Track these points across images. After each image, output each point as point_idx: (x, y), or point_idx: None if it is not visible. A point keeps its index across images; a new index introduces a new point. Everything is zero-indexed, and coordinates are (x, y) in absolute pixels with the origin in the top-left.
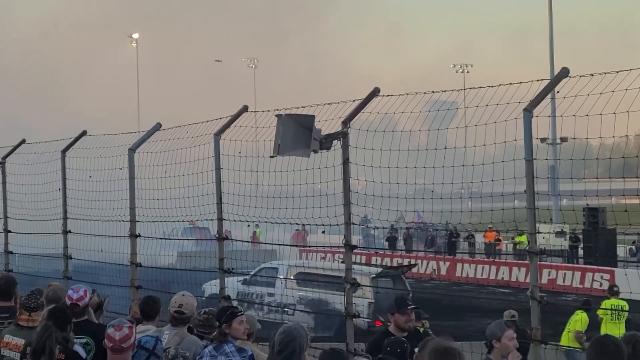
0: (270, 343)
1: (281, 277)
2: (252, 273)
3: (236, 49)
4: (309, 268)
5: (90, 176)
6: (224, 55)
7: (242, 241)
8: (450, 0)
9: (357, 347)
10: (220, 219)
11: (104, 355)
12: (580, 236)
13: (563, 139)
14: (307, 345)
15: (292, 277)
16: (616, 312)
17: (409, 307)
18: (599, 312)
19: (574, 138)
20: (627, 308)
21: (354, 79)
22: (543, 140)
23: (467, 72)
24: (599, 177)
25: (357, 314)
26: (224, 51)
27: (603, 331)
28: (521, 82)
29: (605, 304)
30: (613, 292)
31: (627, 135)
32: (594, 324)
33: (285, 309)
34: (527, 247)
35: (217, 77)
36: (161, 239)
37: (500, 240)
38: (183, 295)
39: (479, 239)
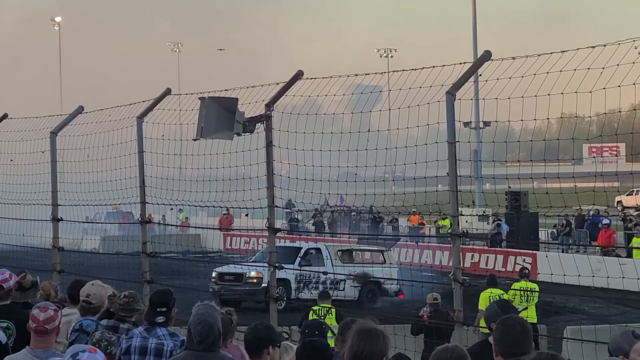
0: (187, 329)
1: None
2: (300, 255)
3: (160, 34)
4: (346, 246)
5: (11, 160)
6: (148, 40)
7: (168, 225)
8: None
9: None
10: (143, 202)
11: (25, 341)
12: (503, 220)
13: (486, 123)
14: (235, 328)
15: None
16: (525, 294)
17: (518, 310)
18: (509, 294)
19: (497, 121)
20: (537, 290)
21: (279, 65)
22: (466, 124)
23: (392, 56)
24: (521, 161)
25: (279, 295)
26: (148, 36)
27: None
28: (444, 65)
29: (515, 286)
30: (523, 274)
31: (548, 118)
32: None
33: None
34: (449, 230)
35: (140, 62)
36: (84, 222)
37: (424, 224)
38: (92, 284)
39: (403, 222)
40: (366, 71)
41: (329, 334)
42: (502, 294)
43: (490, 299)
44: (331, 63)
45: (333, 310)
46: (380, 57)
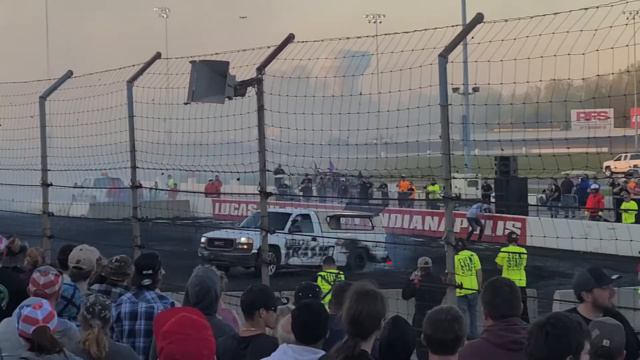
0: (185, 291)
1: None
2: (290, 221)
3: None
4: (336, 212)
5: (0, 124)
6: (135, 5)
7: (160, 189)
8: None
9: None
10: (133, 167)
11: (17, 304)
12: (492, 185)
13: (475, 89)
14: (222, 290)
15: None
16: (514, 258)
17: (612, 279)
18: (498, 259)
19: (489, 84)
20: (524, 253)
21: (267, 30)
22: (455, 90)
23: (380, 22)
24: (511, 125)
25: (272, 260)
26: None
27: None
28: (436, 28)
29: (503, 251)
30: (511, 239)
31: (541, 80)
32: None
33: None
34: (442, 194)
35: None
36: (74, 187)
37: (413, 189)
38: (81, 249)
39: (392, 188)
40: (356, 38)
41: (328, 298)
42: (472, 255)
43: (460, 262)
44: (319, 29)
45: (342, 275)
46: (369, 22)
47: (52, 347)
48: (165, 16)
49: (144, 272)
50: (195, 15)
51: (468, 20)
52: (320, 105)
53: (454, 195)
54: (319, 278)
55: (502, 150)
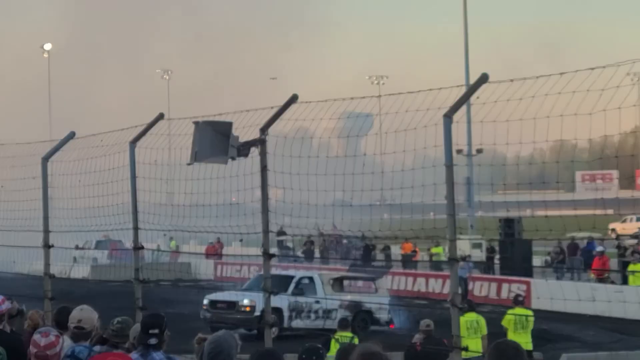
0: (199, 352)
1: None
2: (293, 283)
3: (150, 61)
4: (338, 274)
5: (1, 186)
6: (138, 67)
7: (161, 251)
8: (363, 16)
9: None
10: (135, 228)
11: None
12: (497, 247)
13: (479, 151)
14: (236, 355)
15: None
16: (520, 321)
17: None
18: (504, 321)
19: (494, 144)
20: (532, 316)
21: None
22: (459, 151)
23: (383, 83)
24: (513, 188)
25: (275, 321)
26: (138, 63)
27: None
28: (440, 88)
29: (509, 313)
30: (517, 301)
31: (547, 140)
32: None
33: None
34: (446, 255)
35: (131, 90)
36: (76, 249)
37: (416, 251)
38: (81, 309)
39: (396, 250)
40: (358, 100)
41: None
42: (478, 319)
43: (466, 324)
44: (322, 90)
45: (356, 339)
46: (372, 84)
47: None
48: (167, 77)
49: (150, 331)
50: (197, 77)
51: (471, 81)
52: (323, 166)
53: (459, 256)
54: (333, 341)
55: (508, 211)
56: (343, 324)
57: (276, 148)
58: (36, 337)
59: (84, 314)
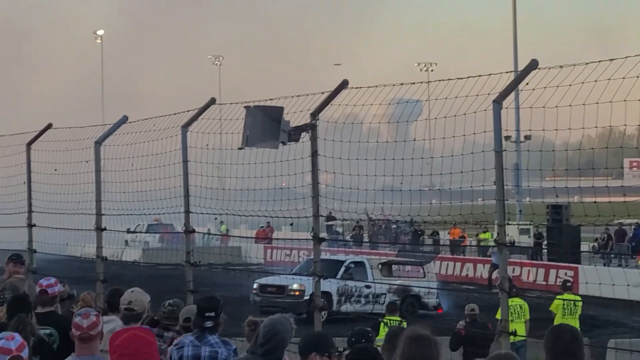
0: (255, 333)
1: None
2: (343, 267)
3: (201, 46)
4: (387, 258)
5: (55, 169)
6: (190, 53)
7: (211, 234)
8: (412, 3)
9: None
10: (187, 212)
11: (67, 348)
12: (545, 233)
13: (527, 137)
14: (290, 338)
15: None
16: (568, 307)
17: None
18: (552, 307)
19: (543, 130)
20: (580, 301)
21: (319, 79)
22: (507, 138)
23: (432, 70)
24: (561, 174)
25: (325, 305)
26: (189, 49)
27: None
28: (490, 74)
29: (557, 299)
30: (566, 287)
31: (596, 126)
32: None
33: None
34: (496, 239)
35: (181, 77)
36: (128, 232)
37: (464, 237)
38: (132, 291)
39: (444, 236)
40: (407, 87)
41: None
42: (522, 304)
43: (511, 308)
44: (371, 77)
45: (404, 323)
46: (421, 71)
47: None
48: (219, 64)
49: (207, 314)
50: (248, 62)
51: (520, 67)
52: (372, 151)
53: (508, 241)
54: (382, 324)
55: (557, 196)
56: (391, 308)
57: (327, 133)
58: (77, 319)
59: (135, 295)
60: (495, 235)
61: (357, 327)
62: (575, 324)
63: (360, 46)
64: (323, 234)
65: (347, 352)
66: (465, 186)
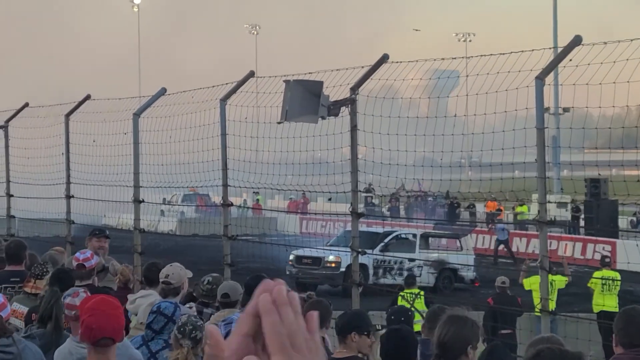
0: None
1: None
2: (385, 241)
3: (237, 16)
4: (424, 231)
5: (94, 141)
6: (226, 22)
7: (243, 207)
8: None
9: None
10: (225, 185)
11: None
12: (582, 207)
13: (565, 109)
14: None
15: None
16: (607, 283)
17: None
18: (590, 283)
19: (587, 107)
20: (618, 279)
21: (354, 49)
22: (545, 110)
23: (470, 41)
24: (599, 148)
25: (361, 281)
26: (226, 17)
27: (595, 303)
28: (533, 50)
29: (596, 274)
30: (605, 263)
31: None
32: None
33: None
34: (537, 217)
35: (218, 45)
36: (165, 204)
37: (501, 210)
38: (171, 265)
39: (480, 208)
40: (444, 56)
41: (417, 318)
42: (553, 280)
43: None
44: (409, 46)
45: (422, 294)
46: (459, 41)
47: (2, 332)
48: (255, 33)
49: None
50: (285, 31)
51: (560, 42)
52: (409, 125)
53: (549, 219)
54: (399, 297)
55: (598, 166)
56: (409, 281)
57: (366, 107)
58: (68, 300)
59: (172, 269)
60: (535, 213)
61: (397, 306)
62: (614, 301)
63: (400, 17)
64: (361, 206)
65: (383, 330)
66: (503, 160)
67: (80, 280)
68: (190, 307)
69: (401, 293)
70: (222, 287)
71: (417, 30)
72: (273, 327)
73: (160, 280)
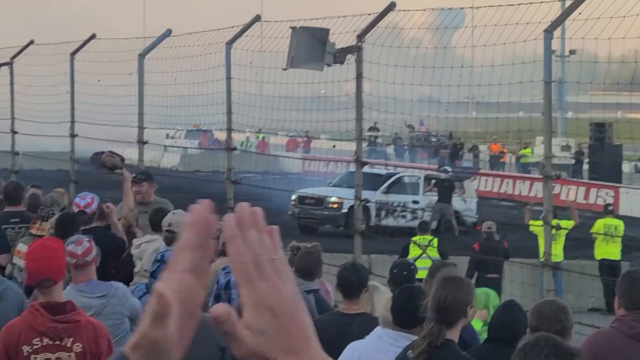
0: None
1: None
2: (388, 183)
3: None
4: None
5: (98, 80)
6: None
7: (253, 153)
8: None
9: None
10: (229, 129)
11: (104, 265)
12: (586, 151)
13: (571, 52)
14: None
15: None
16: (610, 232)
17: None
18: (593, 230)
19: (596, 38)
20: (622, 227)
21: None
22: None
23: None
24: (606, 90)
25: (363, 229)
26: None
27: (597, 251)
28: (542, 2)
29: (599, 222)
30: (608, 211)
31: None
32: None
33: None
34: (543, 172)
35: None
36: (169, 146)
37: (504, 152)
38: (174, 213)
39: (483, 149)
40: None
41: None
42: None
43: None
44: None
45: (435, 240)
46: None
47: None
48: None
49: None
50: None
51: None
52: (415, 62)
53: (554, 174)
54: (411, 243)
55: (605, 108)
56: (423, 227)
57: (372, 54)
58: (70, 247)
59: (176, 217)
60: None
61: (401, 260)
62: (617, 249)
63: None
64: (365, 147)
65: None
66: (502, 99)
67: (83, 225)
68: None
69: (413, 238)
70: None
71: None
72: (237, 257)
73: (163, 228)
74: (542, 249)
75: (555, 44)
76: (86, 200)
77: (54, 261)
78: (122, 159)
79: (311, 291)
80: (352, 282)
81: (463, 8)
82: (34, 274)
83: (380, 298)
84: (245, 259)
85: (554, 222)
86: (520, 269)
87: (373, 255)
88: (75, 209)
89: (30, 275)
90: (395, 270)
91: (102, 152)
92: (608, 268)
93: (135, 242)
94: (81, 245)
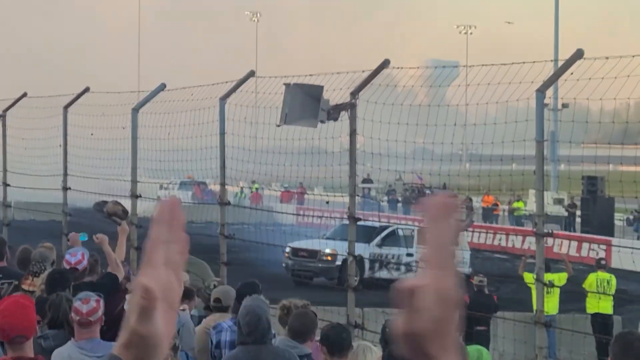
0: (237, 323)
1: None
2: (382, 235)
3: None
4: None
5: (91, 134)
6: (226, 9)
7: (246, 207)
8: None
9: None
10: (223, 184)
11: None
12: (578, 203)
13: (564, 105)
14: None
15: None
16: (602, 286)
17: None
18: (585, 284)
19: (587, 99)
20: (614, 281)
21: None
22: (545, 105)
23: (471, 33)
24: (598, 143)
25: (356, 284)
26: (225, 4)
27: (589, 305)
28: (534, 62)
29: (592, 276)
30: (600, 265)
31: (629, 98)
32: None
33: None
34: (535, 229)
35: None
36: (160, 188)
37: (497, 205)
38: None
39: (477, 201)
40: (445, 48)
41: None
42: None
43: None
44: (409, 36)
45: None
46: (460, 33)
47: None
48: (256, 20)
49: None
50: (286, 20)
51: (561, 45)
52: (409, 116)
53: (546, 232)
54: None
55: (596, 163)
56: None
57: (366, 111)
58: (77, 304)
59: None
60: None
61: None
62: (609, 303)
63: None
64: (359, 198)
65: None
66: (496, 153)
67: (75, 281)
68: (184, 310)
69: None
70: (216, 291)
71: (509, 22)
72: (439, 239)
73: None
74: (535, 306)
75: (548, 97)
76: (77, 257)
77: (26, 318)
78: (126, 212)
79: (304, 356)
80: (338, 342)
81: (458, 65)
82: (7, 330)
83: (372, 358)
84: (445, 242)
85: (547, 278)
86: (512, 325)
87: (366, 309)
88: (67, 266)
89: (3, 332)
90: (387, 329)
91: (106, 202)
92: (600, 324)
93: (129, 299)
94: (87, 304)
